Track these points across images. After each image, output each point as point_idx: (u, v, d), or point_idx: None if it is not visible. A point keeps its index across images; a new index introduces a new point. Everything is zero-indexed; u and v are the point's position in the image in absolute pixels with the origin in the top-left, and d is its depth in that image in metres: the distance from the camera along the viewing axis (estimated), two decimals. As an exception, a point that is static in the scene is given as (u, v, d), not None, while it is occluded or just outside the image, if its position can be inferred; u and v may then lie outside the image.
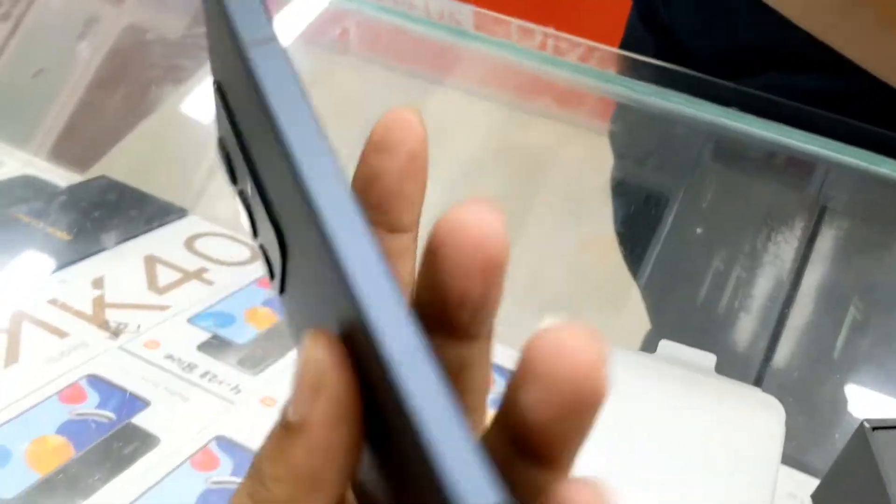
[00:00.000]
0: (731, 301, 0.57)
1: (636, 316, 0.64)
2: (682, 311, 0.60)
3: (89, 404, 0.47)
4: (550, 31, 0.76)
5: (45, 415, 0.46)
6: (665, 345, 0.35)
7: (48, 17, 0.82)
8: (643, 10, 0.68)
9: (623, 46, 0.72)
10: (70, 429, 0.45)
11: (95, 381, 0.49)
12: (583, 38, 0.79)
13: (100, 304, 0.55)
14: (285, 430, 0.16)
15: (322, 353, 0.15)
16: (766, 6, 0.46)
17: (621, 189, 0.68)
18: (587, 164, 0.72)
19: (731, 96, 0.57)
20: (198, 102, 0.79)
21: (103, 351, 0.51)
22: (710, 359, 0.35)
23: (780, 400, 0.42)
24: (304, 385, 0.15)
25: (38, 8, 0.81)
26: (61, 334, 0.52)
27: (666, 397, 0.33)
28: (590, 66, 0.69)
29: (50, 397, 0.47)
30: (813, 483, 0.46)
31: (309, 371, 0.15)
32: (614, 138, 0.68)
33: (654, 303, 0.63)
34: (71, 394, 0.48)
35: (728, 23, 0.55)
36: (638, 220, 0.67)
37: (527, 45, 0.71)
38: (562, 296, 0.67)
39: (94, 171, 0.73)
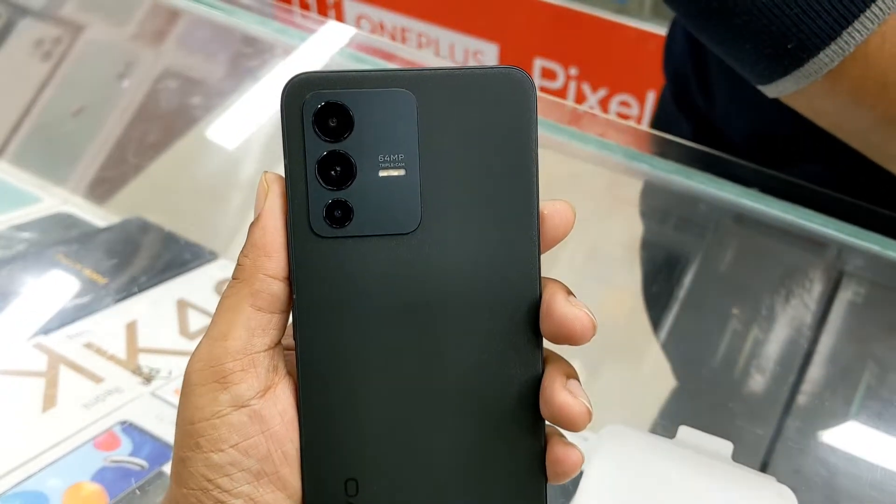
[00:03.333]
0: (746, 368, 0.59)
1: (653, 369, 0.65)
2: (698, 374, 0.61)
3: (123, 451, 0.49)
4: (578, 106, 0.78)
5: (81, 461, 0.48)
6: (684, 431, 0.36)
7: (88, 57, 0.84)
8: (676, 92, 0.70)
9: (655, 124, 0.74)
10: (105, 476, 0.47)
11: (129, 427, 0.51)
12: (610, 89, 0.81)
13: (133, 348, 0.57)
14: (250, 227, 0.29)
15: (268, 178, 0.29)
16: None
17: (645, 248, 0.69)
18: (609, 220, 0.73)
19: (752, 177, 0.59)
20: (231, 147, 0.81)
21: (136, 396, 0.53)
22: (727, 447, 0.36)
23: (791, 476, 0.43)
24: (261, 193, 0.29)
25: (79, 48, 0.83)
26: (96, 379, 0.54)
27: (684, 483, 0.34)
28: (616, 144, 0.71)
29: (85, 443, 0.49)
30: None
31: (263, 185, 0.29)
32: (642, 208, 0.70)
33: (671, 361, 0.64)
34: (105, 440, 0.49)
35: (764, 112, 0.57)
36: (659, 279, 0.69)
37: (552, 118, 0.73)
38: (581, 347, 0.68)
39: (129, 210, 0.76)
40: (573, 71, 1.86)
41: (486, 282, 0.29)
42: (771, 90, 0.45)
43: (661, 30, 1.73)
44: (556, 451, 0.29)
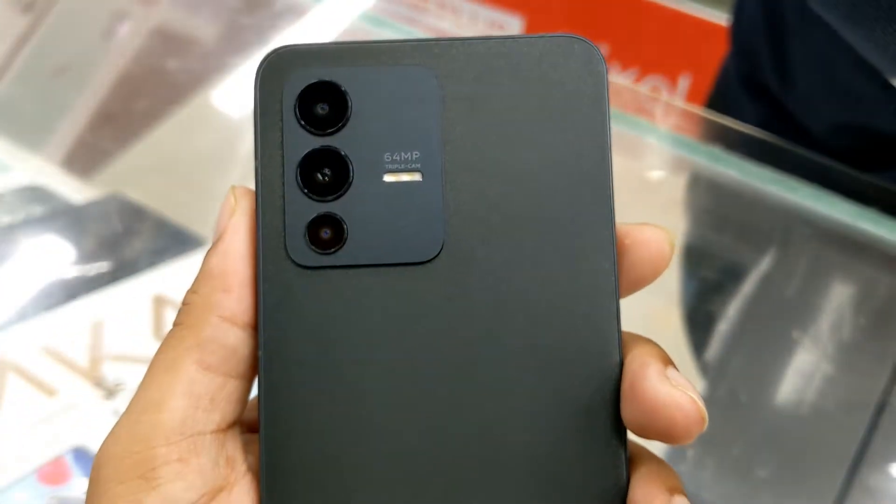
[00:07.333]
0: (809, 409, 0.50)
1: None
2: (748, 413, 0.53)
3: (72, 486, 0.41)
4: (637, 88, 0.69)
5: (20, 497, 0.40)
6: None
7: (75, 11, 0.76)
8: (743, 69, 0.60)
9: (711, 105, 0.64)
10: (46, 519, 0.39)
11: (82, 455, 0.43)
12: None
13: (97, 354, 0.49)
14: (206, 255, 0.21)
15: (237, 191, 0.22)
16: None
17: (690, 260, 0.61)
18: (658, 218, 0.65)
19: (838, 180, 0.50)
20: (233, 118, 0.73)
21: (95, 416, 0.45)
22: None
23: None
24: (225, 210, 0.21)
25: (65, 0, 0.75)
26: (50, 392, 0.46)
27: None
28: (656, 126, 0.62)
29: (27, 475, 0.41)
30: None
31: (229, 201, 0.21)
32: (689, 204, 0.61)
33: (714, 394, 0.56)
34: (52, 471, 0.42)
35: (861, 102, 0.48)
36: (706, 297, 0.60)
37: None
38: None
39: (111, 185, 0.67)
40: (603, 49, 1.77)
41: (538, 341, 0.21)
42: None
43: (696, 11, 1.63)
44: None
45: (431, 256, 0.20)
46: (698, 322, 0.58)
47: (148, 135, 0.72)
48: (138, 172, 0.70)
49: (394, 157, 0.21)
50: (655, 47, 1.71)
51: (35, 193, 0.64)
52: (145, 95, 0.74)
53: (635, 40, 1.73)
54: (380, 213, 0.21)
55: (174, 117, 0.73)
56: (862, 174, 0.50)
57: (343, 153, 0.21)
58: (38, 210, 0.62)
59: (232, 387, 0.20)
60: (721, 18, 1.45)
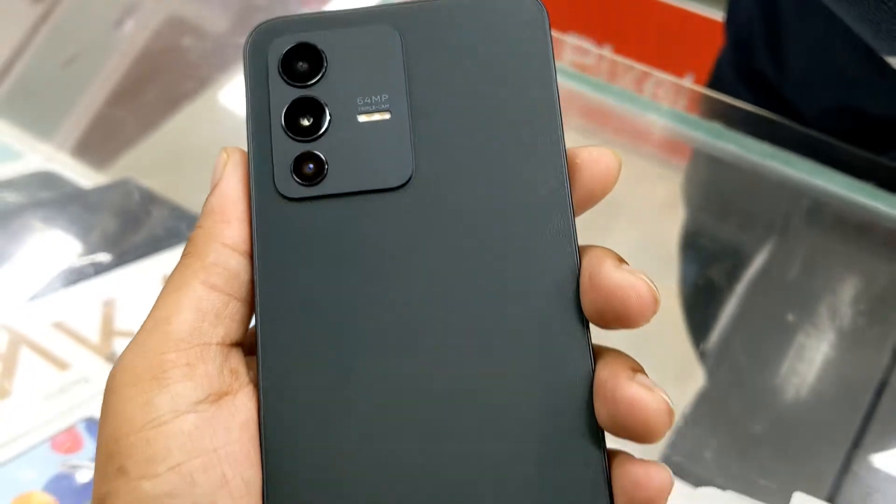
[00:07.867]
0: (809, 392, 0.51)
1: (691, 387, 0.58)
2: (748, 396, 0.53)
3: (84, 455, 0.42)
4: (639, 66, 0.69)
5: (34, 465, 0.41)
6: (799, 498, 0.29)
7: (86, 1, 0.77)
8: (738, 58, 0.61)
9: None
10: (60, 485, 0.40)
11: (94, 425, 0.44)
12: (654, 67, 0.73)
13: (108, 330, 0.50)
14: (205, 201, 0.24)
15: (228, 149, 0.24)
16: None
17: (689, 244, 0.62)
18: (640, 202, 0.65)
19: (845, 160, 0.51)
20: (237, 104, 0.74)
21: (106, 389, 0.46)
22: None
23: None
24: (219, 164, 0.24)
25: (76, -9, 0.76)
26: (62, 366, 0.47)
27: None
28: (651, 100, 0.62)
29: (41, 444, 0.42)
30: None
31: (221, 157, 0.24)
32: (689, 185, 0.62)
33: (713, 379, 0.56)
34: (65, 440, 0.43)
35: (855, 86, 0.49)
36: (707, 276, 0.61)
37: (565, 62, 0.65)
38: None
39: (121, 171, 0.68)
40: (607, 48, 1.78)
41: (500, 250, 0.23)
42: None
43: (699, 9, 1.64)
44: (631, 473, 0.21)
45: (403, 182, 0.23)
46: (698, 304, 0.59)
47: (159, 124, 0.73)
48: (149, 161, 0.71)
49: (365, 101, 0.24)
50: (659, 46, 1.72)
51: (47, 178, 0.65)
52: (156, 84, 0.75)
53: (639, 39, 1.74)
54: (355, 148, 0.24)
55: (186, 107, 0.74)
56: (863, 152, 0.50)
57: (321, 100, 0.24)
58: (50, 194, 0.63)
59: (235, 307, 0.23)
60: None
